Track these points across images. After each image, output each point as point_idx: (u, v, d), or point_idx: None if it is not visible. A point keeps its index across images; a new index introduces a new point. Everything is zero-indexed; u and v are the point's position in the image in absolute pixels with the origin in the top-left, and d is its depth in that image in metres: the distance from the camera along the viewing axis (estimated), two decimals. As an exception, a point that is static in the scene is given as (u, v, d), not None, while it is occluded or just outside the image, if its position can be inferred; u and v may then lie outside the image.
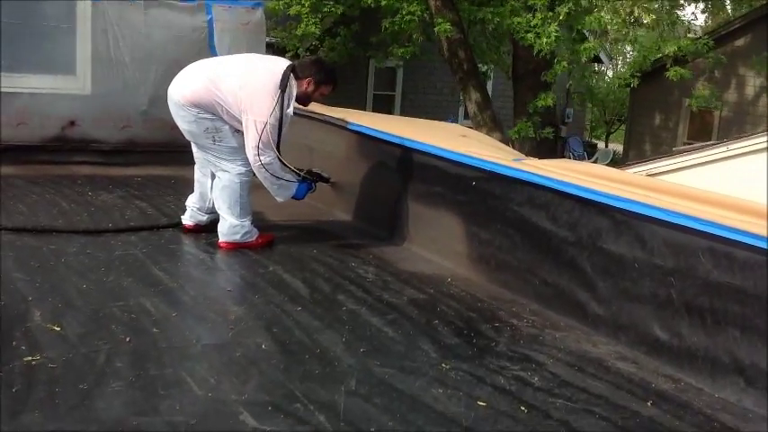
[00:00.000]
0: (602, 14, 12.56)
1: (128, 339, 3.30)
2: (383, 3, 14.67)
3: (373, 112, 19.20)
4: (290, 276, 4.32)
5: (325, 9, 16.23)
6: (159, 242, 4.76)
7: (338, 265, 4.60)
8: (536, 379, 3.25)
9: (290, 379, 3.08)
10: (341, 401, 2.92)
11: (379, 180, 5.42)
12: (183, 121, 4.62)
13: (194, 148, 4.85)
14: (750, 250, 3.09)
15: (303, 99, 4.72)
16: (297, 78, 4.58)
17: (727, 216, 3.21)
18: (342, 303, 3.97)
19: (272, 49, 15.18)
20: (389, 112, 20.08)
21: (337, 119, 5.77)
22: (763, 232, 3.03)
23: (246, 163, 4.59)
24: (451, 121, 6.18)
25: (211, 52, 7.09)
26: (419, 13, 14.51)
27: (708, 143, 11.64)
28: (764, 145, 9.89)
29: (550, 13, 12.24)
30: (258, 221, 5.10)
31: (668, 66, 13.34)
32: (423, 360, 3.36)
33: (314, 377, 3.11)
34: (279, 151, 4.57)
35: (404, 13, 14.57)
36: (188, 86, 4.56)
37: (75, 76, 6.81)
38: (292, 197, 4.82)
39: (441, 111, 19.82)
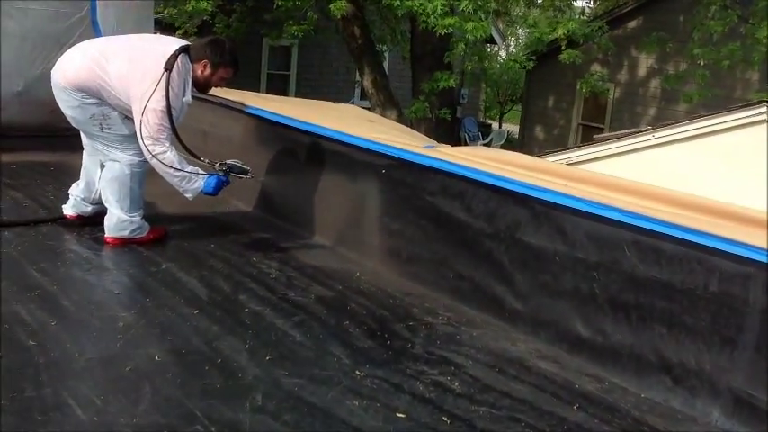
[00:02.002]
0: None
1: (-1, 355, 2.90)
2: None
3: (267, 92, 18.80)
4: (186, 275, 3.96)
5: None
6: (37, 238, 4.30)
7: (238, 261, 4.27)
8: (456, 384, 3.04)
9: (188, 396, 2.75)
10: (246, 420, 2.63)
11: (280, 168, 5.09)
12: (67, 107, 4.17)
13: (83, 135, 4.40)
14: (678, 243, 2.95)
15: (201, 85, 4.25)
16: (191, 61, 4.16)
17: (654, 207, 3.06)
18: (244, 304, 3.65)
19: (161, 26, 14.50)
20: (284, 91, 19.61)
21: (234, 102, 5.40)
22: (691, 224, 2.89)
23: (139, 152, 4.15)
24: (351, 102, 5.90)
25: (94, 29, 6.58)
26: None
27: (632, 131, 11.37)
28: (692, 133, 9.71)
29: None
30: (148, 212, 4.69)
31: (562, 48, 13.38)
32: (335, 367, 3.09)
33: (215, 392, 2.80)
34: (180, 140, 4.18)
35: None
36: (71, 68, 4.11)
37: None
38: (203, 192, 4.23)
39: (337, 90, 19.50)
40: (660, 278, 3.02)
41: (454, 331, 3.54)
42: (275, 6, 14.61)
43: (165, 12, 15.60)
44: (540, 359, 3.32)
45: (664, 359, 3.03)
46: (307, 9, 14.72)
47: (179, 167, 4.09)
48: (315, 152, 4.76)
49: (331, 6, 13.44)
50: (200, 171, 4.22)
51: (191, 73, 4.14)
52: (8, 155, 6.18)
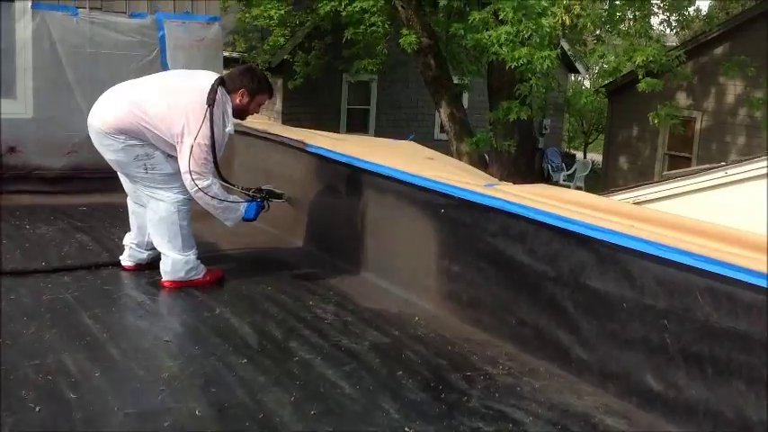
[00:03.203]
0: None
1: (37, 409, 2.82)
2: (343, 13, 14.28)
3: (347, 126, 18.91)
4: (239, 320, 3.86)
5: (296, 21, 15.88)
6: (95, 283, 4.28)
7: (293, 305, 4.14)
8: (514, 443, 2.81)
9: (224, 455, 2.62)
10: (283, 482, 2.47)
11: (340, 206, 4.97)
12: (109, 151, 4.17)
13: (123, 179, 4.39)
14: (755, 291, 2.67)
15: (239, 113, 4.31)
16: (228, 92, 4.18)
17: (729, 251, 2.79)
18: (294, 352, 3.51)
19: (238, 64, 14.73)
20: (364, 126, 19.69)
21: (296, 141, 5.33)
22: (771, 271, 2.62)
23: (184, 189, 4.17)
24: (411, 139, 5.83)
25: (164, 70, 6.65)
26: (380, 24, 14.10)
27: (703, 167, 10.73)
28: (768, 170, 8.99)
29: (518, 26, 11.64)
30: (208, 252, 4.66)
31: (640, 77, 12.90)
32: (383, 422, 2.91)
33: (253, 451, 2.65)
34: (218, 171, 4.18)
35: (367, 24, 14.17)
36: (110, 112, 4.12)
37: (15, 100, 6.32)
38: (243, 219, 4.39)
39: (416, 125, 19.45)
40: (737, 329, 2.74)
41: (515, 382, 3.32)
42: (344, 40, 14.72)
43: (239, 51, 15.93)
44: (608, 415, 3.06)
45: (743, 417, 2.74)
46: (380, 44, 14.76)
47: (222, 198, 4.19)
48: (373, 190, 4.63)
49: (401, 40, 13.43)
50: (239, 199, 4.37)
51: (229, 103, 4.17)
52: (80, 197, 6.29)
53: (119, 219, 5.69)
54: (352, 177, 4.79)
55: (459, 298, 4.03)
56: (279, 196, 4.55)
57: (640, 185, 11.09)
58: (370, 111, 20.09)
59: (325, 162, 5.02)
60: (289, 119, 16.69)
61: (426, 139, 13.23)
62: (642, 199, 9.82)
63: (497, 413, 3.03)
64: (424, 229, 4.24)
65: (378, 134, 18.60)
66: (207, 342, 3.58)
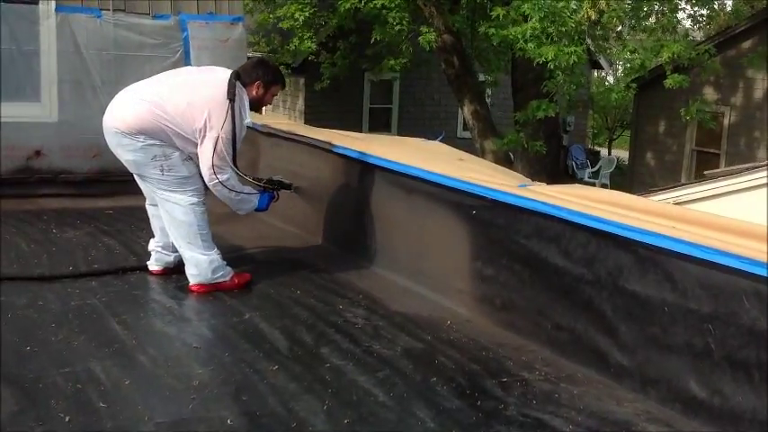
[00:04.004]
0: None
1: (67, 419, 2.78)
2: (363, 10, 14.20)
3: (370, 125, 18.86)
4: (268, 326, 3.80)
5: (321, 22, 15.85)
6: (123, 288, 4.24)
7: (323, 309, 4.08)
8: (553, 452, 2.73)
9: (257, 466, 2.56)
10: (318, 494, 2.40)
11: (369, 208, 4.90)
12: (127, 151, 4.12)
13: (139, 180, 4.36)
14: (807, 295, 2.57)
15: (255, 105, 4.33)
16: (244, 85, 4.19)
17: (777, 253, 2.69)
18: (325, 358, 3.44)
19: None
20: (386, 125, 19.62)
21: (323, 141, 5.27)
22: (823, 274, 2.51)
23: (198, 192, 4.20)
24: (440, 137, 5.79)
25: (189, 72, 6.61)
26: (399, 20, 14.01)
27: (747, 165, 10.47)
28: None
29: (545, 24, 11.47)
30: (234, 254, 4.61)
31: (667, 73, 12.69)
32: (418, 431, 2.83)
33: (287, 462, 2.59)
34: (235, 164, 4.19)
35: (392, 22, 14.08)
36: (129, 113, 4.07)
37: (40, 103, 6.31)
38: (255, 209, 4.52)
39: (439, 123, 19.35)
40: (786, 333, 2.64)
41: (552, 389, 3.23)
42: (372, 41, 14.65)
43: (260, 51, 15.91)
44: (650, 422, 2.97)
45: (794, 426, 2.65)
46: (403, 42, 14.68)
47: (239, 191, 4.30)
48: (402, 191, 4.56)
49: (420, 38, 13.35)
50: (254, 191, 4.50)
51: (246, 96, 4.20)
52: (106, 200, 6.27)
53: (145, 222, 5.60)
54: (381, 178, 4.72)
55: (493, 301, 3.95)
56: (288, 186, 4.72)
57: (680, 185, 10.90)
58: (393, 109, 20.02)
59: (352, 162, 4.95)
60: (311, 118, 16.68)
61: (449, 137, 13.16)
62: (683, 199, 9.63)
63: (535, 421, 2.95)
64: (456, 231, 4.16)
65: (400, 133, 18.56)
66: (237, 348, 3.52)
